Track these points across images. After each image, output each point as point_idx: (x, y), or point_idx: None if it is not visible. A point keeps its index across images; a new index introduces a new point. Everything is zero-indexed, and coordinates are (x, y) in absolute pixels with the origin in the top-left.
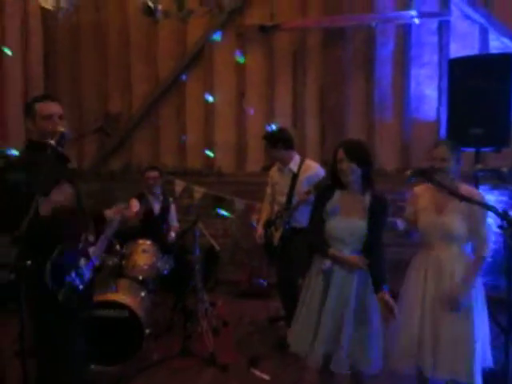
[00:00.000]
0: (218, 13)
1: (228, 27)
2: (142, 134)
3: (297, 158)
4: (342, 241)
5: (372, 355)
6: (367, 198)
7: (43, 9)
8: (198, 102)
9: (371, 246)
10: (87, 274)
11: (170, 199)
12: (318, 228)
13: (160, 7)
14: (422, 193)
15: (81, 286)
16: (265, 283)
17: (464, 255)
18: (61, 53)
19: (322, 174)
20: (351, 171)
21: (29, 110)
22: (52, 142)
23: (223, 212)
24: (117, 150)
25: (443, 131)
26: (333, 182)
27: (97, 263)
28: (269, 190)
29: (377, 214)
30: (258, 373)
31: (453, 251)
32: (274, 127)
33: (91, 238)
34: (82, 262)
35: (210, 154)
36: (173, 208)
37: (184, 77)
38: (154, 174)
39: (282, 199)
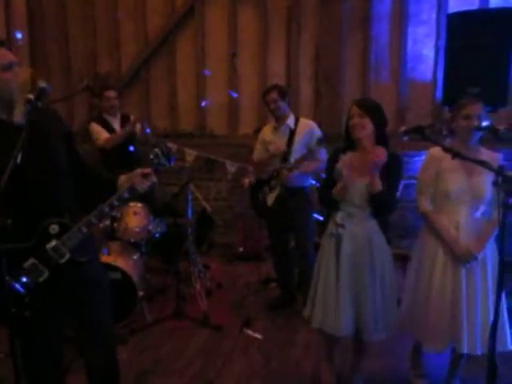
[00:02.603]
0: None
1: None
2: (132, 95)
3: (292, 116)
4: (351, 202)
5: (383, 322)
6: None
7: None
8: (188, 62)
9: (383, 204)
10: None
11: (131, 116)
12: (329, 189)
13: None
14: (443, 154)
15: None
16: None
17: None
18: (47, 12)
19: (319, 131)
20: (362, 126)
21: None
22: (30, 96)
23: None
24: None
25: (439, 92)
26: (346, 141)
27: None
28: (259, 148)
29: (387, 172)
30: (250, 333)
31: (477, 215)
32: None
33: None
34: None
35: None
36: (138, 127)
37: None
38: (112, 93)
39: (279, 158)
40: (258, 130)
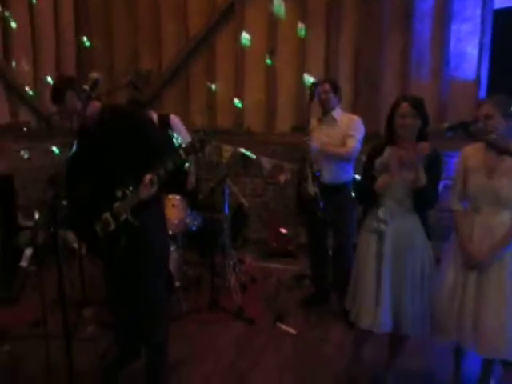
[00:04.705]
0: None
1: None
2: (172, 92)
3: (339, 109)
4: (392, 197)
5: (421, 317)
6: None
7: None
8: (228, 60)
9: (425, 198)
10: None
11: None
12: (368, 184)
13: None
14: (473, 152)
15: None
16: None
17: None
18: (92, 12)
19: (359, 126)
20: (415, 127)
21: None
22: (85, 86)
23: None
24: (146, 108)
25: (483, 92)
26: (387, 136)
27: None
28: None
29: (429, 167)
30: (284, 327)
31: (503, 218)
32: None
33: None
34: None
35: (238, 104)
36: (176, 121)
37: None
38: None
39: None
40: (296, 128)
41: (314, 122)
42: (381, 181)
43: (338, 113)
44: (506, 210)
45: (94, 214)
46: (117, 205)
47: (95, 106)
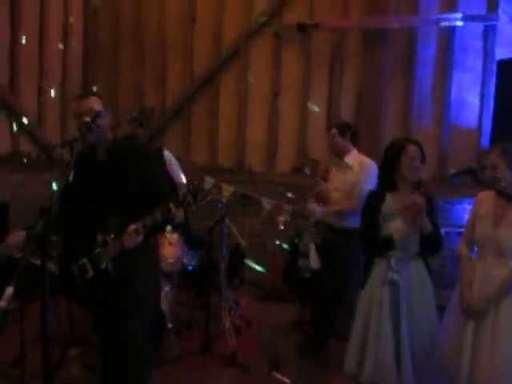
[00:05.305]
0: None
1: (265, 26)
2: (175, 130)
3: (354, 152)
4: (401, 245)
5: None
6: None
7: (85, 4)
8: (231, 100)
9: (435, 242)
10: None
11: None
12: (376, 232)
13: None
14: (485, 199)
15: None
16: None
17: None
18: (100, 48)
19: (374, 168)
20: (421, 171)
21: None
22: (87, 118)
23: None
24: (149, 144)
25: (485, 140)
26: (389, 181)
27: None
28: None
29: (431, 211)
30: (279, 376)
31: (505, 269)
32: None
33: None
34: None
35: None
36: (169, 157)
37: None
38: None
39: (336, 195)
40: (296, 168)
41: (334, 168)
42: (399, 231)
43: (351, 157)
44: (509, 261)
45: (74, 256)
46: (97, 251)
47: (107, 135)
